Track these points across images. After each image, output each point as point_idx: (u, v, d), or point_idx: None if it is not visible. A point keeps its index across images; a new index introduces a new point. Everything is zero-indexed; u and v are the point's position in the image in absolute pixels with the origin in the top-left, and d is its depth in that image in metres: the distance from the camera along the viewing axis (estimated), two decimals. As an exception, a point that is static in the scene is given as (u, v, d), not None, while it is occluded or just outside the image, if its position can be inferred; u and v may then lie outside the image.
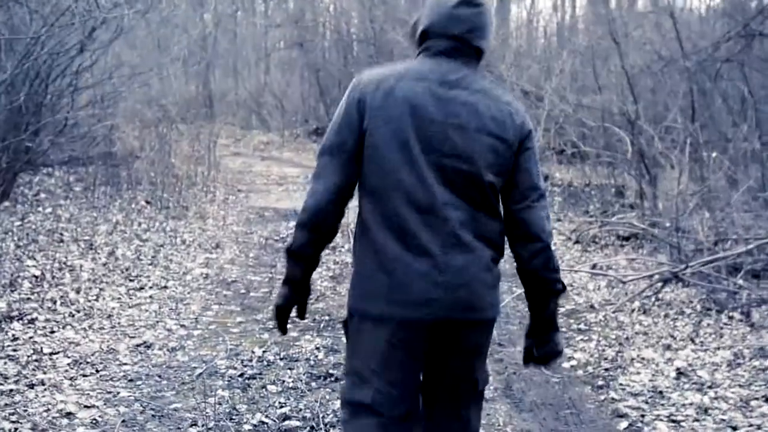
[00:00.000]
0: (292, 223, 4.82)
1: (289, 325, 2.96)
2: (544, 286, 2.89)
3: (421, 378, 2.92)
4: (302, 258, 2.83)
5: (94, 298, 6.85)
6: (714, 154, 11.00)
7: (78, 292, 6.94)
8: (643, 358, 5.73)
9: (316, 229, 2.78)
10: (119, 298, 6.94)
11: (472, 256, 2.73)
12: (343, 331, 2.96)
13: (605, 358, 5.81)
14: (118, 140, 16.98)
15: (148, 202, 12.02)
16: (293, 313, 2.93)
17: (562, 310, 7.11)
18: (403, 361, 2.79)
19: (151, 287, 7.37)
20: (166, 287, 7.44)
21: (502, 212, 2.86)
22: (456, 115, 2.71)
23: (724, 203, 9.54)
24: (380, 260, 2.73)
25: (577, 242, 10.47)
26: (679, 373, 5.39)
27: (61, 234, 9.18)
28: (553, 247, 2.86)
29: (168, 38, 33.23)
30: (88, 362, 5.36)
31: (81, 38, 10.93)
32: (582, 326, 6.70)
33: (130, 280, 7.55)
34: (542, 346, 2.98)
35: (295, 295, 2.89)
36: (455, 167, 2.70)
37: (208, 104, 35.35)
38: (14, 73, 8.95)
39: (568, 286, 7.72)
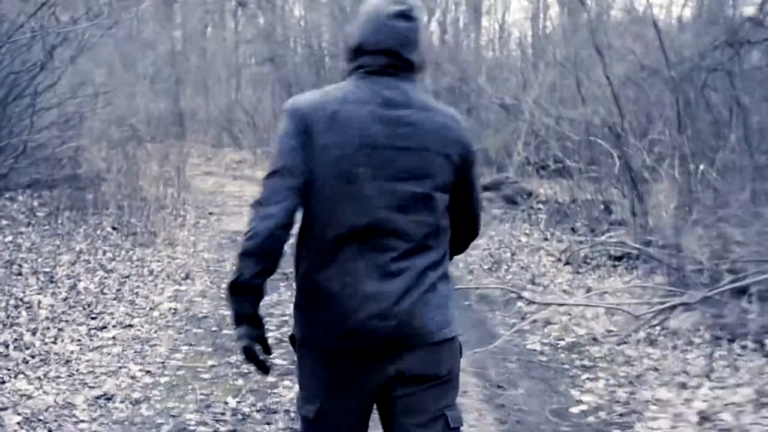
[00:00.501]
0: None
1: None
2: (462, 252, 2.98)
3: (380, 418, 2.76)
4: (251, 291, 2.57)
5: (52, 340, 6.24)
6: (701, 167, 10.57)
7: (34, 333, 6.33)
8: (658, 400, 5.20)
9: (267, 257, 2.53)
10: (79, 340, 6.33)
11: (412, 281, 2.59)
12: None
13: (617, 401, 5.27)
14: (84, 162, 16.38)
15: (114, 228, 11.42)
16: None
17: (562, 343, 6.63)
18: (344, 390, 2.66)
19: (114, 326, 6.77)
20: (131, 325, 6.84)
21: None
22: (403, 137, 2.61)
23: (715, 218, 9.08)
24: (318, 291, 2.61)
25: (567, 263, 9.97)
26: (702, 417, 4.86)
27: (20, 266, 8.57)
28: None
29: (134, 55, 32.73)
30: (40, 419, 4.76)
31: (40, 56, 10.35)
32: (586, 362, 6.16)
33: (92, 318, 6.95)
34: None
35: (254, 330, 2.62)
36: (406, 190, 2.59)
37: (179, 122, 34.75)
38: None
39: (565, 315, 7.23)
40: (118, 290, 7.94)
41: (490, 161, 17.03)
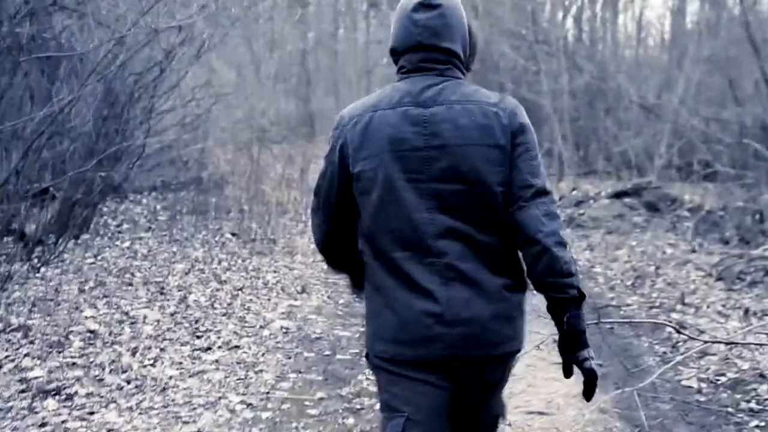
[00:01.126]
0: None
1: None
2: (554, 293, 2.59)
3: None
4: (339, 270, 2.96)
5: (151, 362, 5.73)
6: None
7: (134, 353, 5.85)
8: None
9: (328, 256, 2.89)
10: (180, 363, 5.80)
11: (476, 288, 2.56)
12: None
13: (795, 459, 4.41)
14: (209, 164, 16.15)
15: (234, 234, 11.00)
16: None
17: (723, 379, 5.71)
18: (421, 397, 2.66)
19: (220, 347, 6.22)
20: (237, 347, 6.27)
21: None
22: (438, 135, 2.55)
23: None
24: (384, 301, 2.64)
25: (719, 279, 8.99)
26: None
27: (132, 274, 8.19)
28: (559, 248, 2.53)
29: (261, 55, 32.80)
30: (125, 461, 4.23)
31: (160, 57, 9.98)
32: (754, 404, 5.24)
33: (197, 337, 6.43)
34: (578, 366, 2.64)
35: (356, 276, 2.85)
36: (451, 190, 2.54)
37: (309, 123, 34.69)
38: (85, 95, 7.94)
39: (726, 348, 6.29)
40: (229, 304, 7.42)
41: (629, 164, 16.00)
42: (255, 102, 33.02)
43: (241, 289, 8.01)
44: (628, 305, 7.77)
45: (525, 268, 2.66)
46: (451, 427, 2.77)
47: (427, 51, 2.61)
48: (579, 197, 14.20)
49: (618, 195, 13.36)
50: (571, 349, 2.63)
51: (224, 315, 7.08)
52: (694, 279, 9.07)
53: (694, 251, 10.55)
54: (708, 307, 7.68)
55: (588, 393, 2.65)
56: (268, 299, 7.76)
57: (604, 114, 17.64)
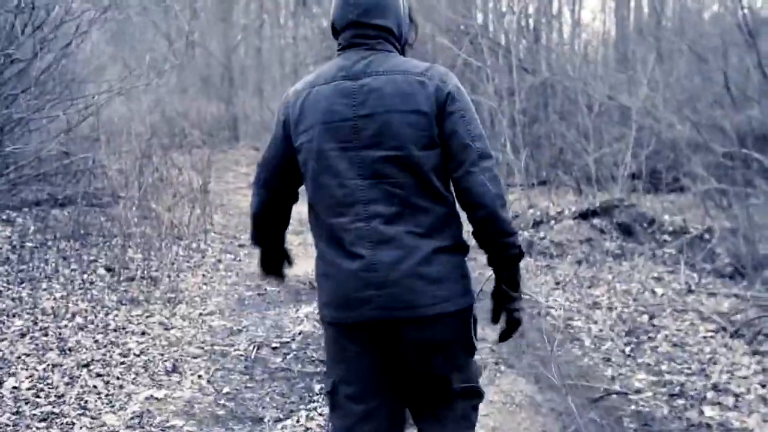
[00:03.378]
0: (306, 309, 6.54)
1: None
2: (499, 252, 2.76)
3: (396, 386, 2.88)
4: (260, 244, 3.21)
5: None
6: None
7: None
8: None
9: (259, 227, 3.12)
10: None
11: (403, 251, 2.66)
12: None
13: None
14: (101, 176, 13.58)
15: (109, 270, 8.54)
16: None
17: None
18: (355, 360, 2.78)
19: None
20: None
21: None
22: (365, 105, 2.69)
23: None
24: (323, 267, 2.80)
25: (737, 335, 6.83)
26: None
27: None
28: (502, 210, 2.70)
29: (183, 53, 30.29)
30: None
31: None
32: None
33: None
34: (506, 315, 2.86)
35: (269, 258, 3.25)
36: (379, 156, 2.67)
37: (232, 126, 32.25)
38: None
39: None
40: (60, 397, 5.00)
41: (589, 178, 13.81)
42: (175, 103, 30.66)
43: (87, 366, 5.59)
44: (639, 392, 5.49)
45: (463, 229, 2.81)
46: (421, 404, 2.88)
47: (359, 27, 2.78)
48: (537, 217, 11.94)
49: (584, 215, 11.13)
50: (506, 299, 2.81)
51: (43, 420, 4.66)
52: (703, 335, 6.88)
53: (690, 291, 8.37)
54: (748, 390, 5.46)
55: (506, 337, 2.87)
56: (120, 386, 5.31)
57: (559, 118, 15.50)
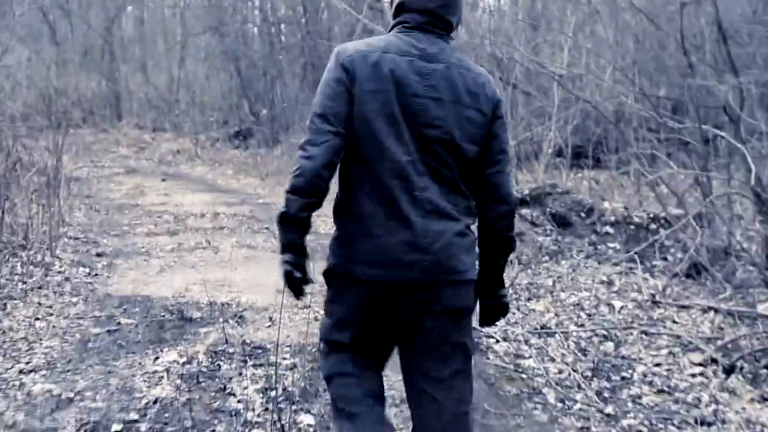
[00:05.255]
0: (170, 357, 5.27)
1: None
2: (504, 244, 3.04)
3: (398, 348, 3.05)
4: (299, 222, 2.87)
5: None
6: None
7: None
8: None
9: (312, 193, 2.83)
10: None
11: (447, 222, 2.86)
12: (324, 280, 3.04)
13: None
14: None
15: None
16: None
17: None
18: (379, 320, 2.92)
19: None
20: None
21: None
22: (435, 88, 2.85)
23: None
24: (364, 225, 2.86)
25: (729, 371, 5.26)
26: None
27: None
28: (514, 210, 3.05)
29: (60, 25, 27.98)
30: None
31: None
32: None
33: None
34: (493, 301, 3.13)
35: (299, 258, 2.88)
36: (435, 137, 2.85)
37: (115, 104, 29.85)
38: None
39: None
40: None
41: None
42: (52, 79, 28.08)
43: None
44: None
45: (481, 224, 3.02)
46: (420, 372, 2.98)
47: (433, 17, 2.94)
48: (456, 207, 10.26)
49: (512, 204, 9.47)
50: (498, 285, 3.11)
51: None
52: (694, 374, 5.29)
53: (655, 302, 6.79)
54: None
55: (492, 322, 3.21)
56: None
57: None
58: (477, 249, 2.99)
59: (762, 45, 9.70)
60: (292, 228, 2.86)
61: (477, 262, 3.00)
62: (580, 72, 10.90)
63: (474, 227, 2.98)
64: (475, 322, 3.07)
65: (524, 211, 9.27)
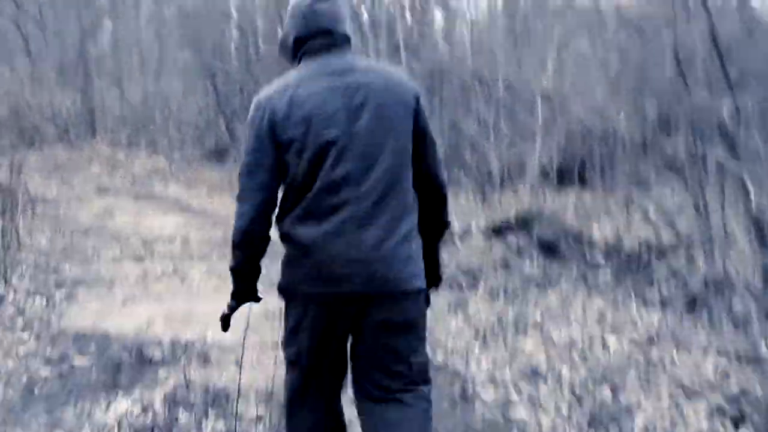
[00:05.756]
0: (123, 405, 4.79)
1: None
2: (444, 227, 3.27)
3: (349, 361, 3.12)
4: (243, 274, 3.16)
5: None
6: None
7: None
8: None
9: (248, 247, 3.06)
10: None
11: (385, 231, 2.90)
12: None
13: None
14: None
15: None
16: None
17: None
18: (321, 330, 3.00)
19: None
20: None
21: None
22: (356, 96, 2.93)
23: None
24: (303, 245, 2.95)
25: (744, 419, 4.80)
26: None
27: None
28: None
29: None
30: None
31: None
32: None
33: None
34: (434, 274, 3.22)
35: (241, 303, 3.23)
36: (374, 143, 2.91)
37: (88, 120, 29.21)
38: None
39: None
40: None
41: (491, 180, 11.71)
42: (27, 95, 27.49)
43: None
44: None
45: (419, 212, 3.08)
46: (376, 378, 3.02)
47: (328, 35, 3.04)
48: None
49: (496, 230, 9.01)
50: (435, 263, 3.22)
51: None
52: (699, 429, 4.81)
53: (652, 341, 6.34)
54: None
55: (434, 286, 3.26)
56: None
57: (454, 107, 13.40)
58: (420, 253, 3.07)
59: (757, 62, 9.34)
60: (240, 279, 3.17)
61: (421, 268, 3.05)
62: (565, 89, 10.50)
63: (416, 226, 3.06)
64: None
65: (510, 238, 8.81)
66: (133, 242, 10.37)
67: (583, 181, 12.92)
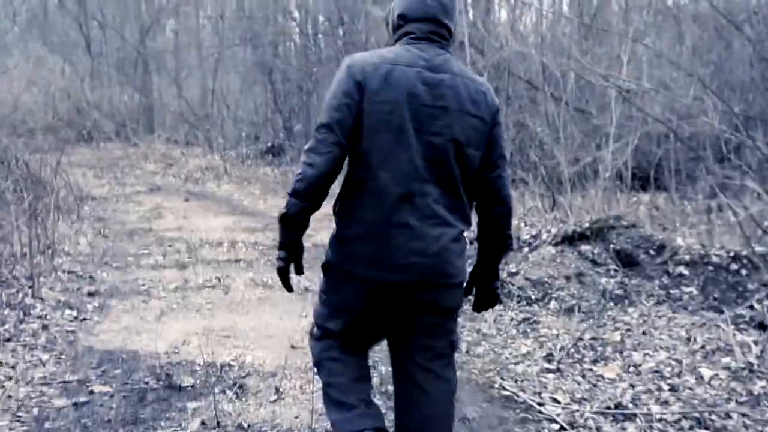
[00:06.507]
0: None
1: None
2: (503, 242, 3.30)
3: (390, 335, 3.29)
4: (297, 224, 3.12)
5: None
6: None
7: None
8: None
9: (311, 198, 3.05)
10: None
11: (444, 228, 3.07)
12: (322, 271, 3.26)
13: None
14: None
15: None
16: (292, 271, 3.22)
17: None
18: (373, 314, 3.15)
19: None
20: None
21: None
22: (442, 98, 3.04)
23: None
24: (364, 228, 3.05)
25: None
26: None
27: None
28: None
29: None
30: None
31: None
32: None
33: None
34: (488, 292, 3.43)
35: (293, 255, 3.17)
36: (441, 144, 3.03)
37: (147, 117, 28.91)
38: None
39: None
40: None
41: (561, 181, 10.88)
42: (86, 92, 27.25)
43: None
44: None
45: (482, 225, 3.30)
46: (413, 366, 3.21)
47: (437, 24, 3.13)
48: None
49: (569, 239, 8.20)
50: (494, 278, 3.41)
51: None
52: None
53: (752, 371, 5.51)
54: None
55: (485, 309, 3.51)
56: None
57: (519, 107, 12.61)
58: (466, 254, 3.21)
59: None
60: (291, 228, 3.13)
61: (466, 266, 3.22)
62: (651, 86, 9.64)
63: (467, 234, 3.19)
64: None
65: (584, 247, 8.01)
66: (177, 246, 9.75)
67: (659, 185, 12.06)
